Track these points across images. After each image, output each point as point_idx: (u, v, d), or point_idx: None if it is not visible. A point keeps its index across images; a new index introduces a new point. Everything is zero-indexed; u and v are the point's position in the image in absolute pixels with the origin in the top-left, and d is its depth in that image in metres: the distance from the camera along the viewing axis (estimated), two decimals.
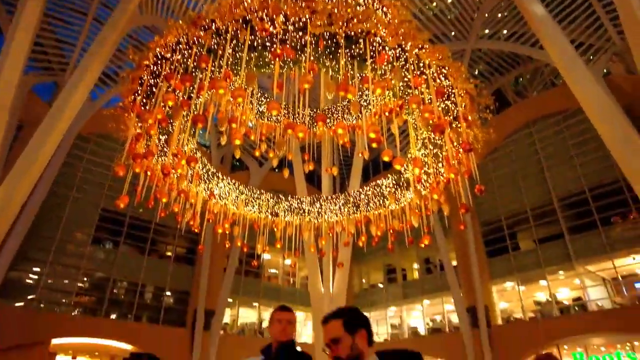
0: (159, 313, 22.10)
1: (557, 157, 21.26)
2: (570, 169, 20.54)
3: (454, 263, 22.66)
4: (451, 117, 6.38)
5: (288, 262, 28.25)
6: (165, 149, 8.32)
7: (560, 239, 19.94)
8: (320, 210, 10.67)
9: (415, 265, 27.31)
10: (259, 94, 8.91)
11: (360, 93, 7.95)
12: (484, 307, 20.40)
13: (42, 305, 19.42)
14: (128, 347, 20.77)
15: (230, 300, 24.47)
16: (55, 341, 18.51)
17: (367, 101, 7.58)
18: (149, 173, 8.15)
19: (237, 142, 6.20)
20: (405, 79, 6.09)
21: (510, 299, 21.84)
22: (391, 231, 9.70)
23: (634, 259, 18.27)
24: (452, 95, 6.43)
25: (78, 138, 20.48)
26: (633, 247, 17.91)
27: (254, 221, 10.61)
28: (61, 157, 19.05)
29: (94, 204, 21.46)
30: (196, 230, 9.89)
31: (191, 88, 6.86)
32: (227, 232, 10.23)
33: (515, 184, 22.51)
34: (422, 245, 8.67)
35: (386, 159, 5.93)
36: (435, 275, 24.84)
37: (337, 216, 10.80)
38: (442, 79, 6.29)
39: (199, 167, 9.22)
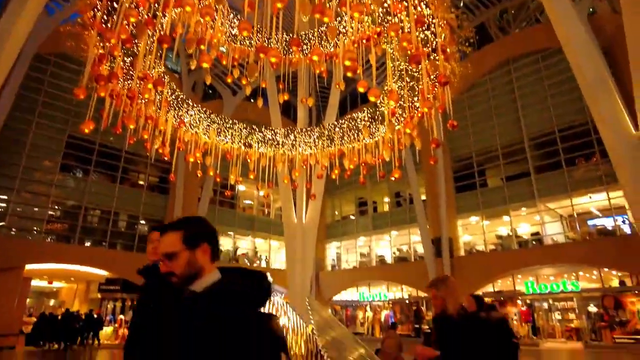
0: (133, 240, 22.35)
1: (532, 96, 21.44)
2: (544, 110, 20.84)
3: (423, 197, 23.46)
4: (429, 49, 6.19)
5: (262, 193, 28.60)
6: (131, 72, 7.86)
7: (527, 178, 20.77)
8: (294, 142, 10.59)
9: (386, 199, 28.18)
10: (231, 15, 8.33)
11: (339, 19, 7.54)
12: (448, 239, 21.56)
13: (13, 232, 19.24)
14: (103, 272, 21.21)
15: None
16: (29, 267, 18.63)
17: (345, 28, 7.22)
18: (114, 97, 7.76)
19: (205, 65, 5.85)
20: (385, 5, 5.77)
21: (474, 232, 23.10)
22: (363, 165, 9.79)
23: (590, 198, 19.35)
24: (432, 26, 6.18)
25: (36, 58, 19.05)
26: (591, 187, 18.90)
27: (226, 151, 10.47)
28: (19, 78, 17.81)
29: (60, 130, 20.56)
30: (167, 159, 9.71)
31: (156, 5, 6.32)
32: (199, 162, 10.08)
33: (489, 122, 22.81)
34: (393, 179, 8.81)
35: (361, 90, 5.80)
36: (405, 208, 25.79)
37: (311, 149, 10.78)
38: (423, 7, 6.00)
39: (167, 93, 8.82)
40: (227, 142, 10.50)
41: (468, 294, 4.39)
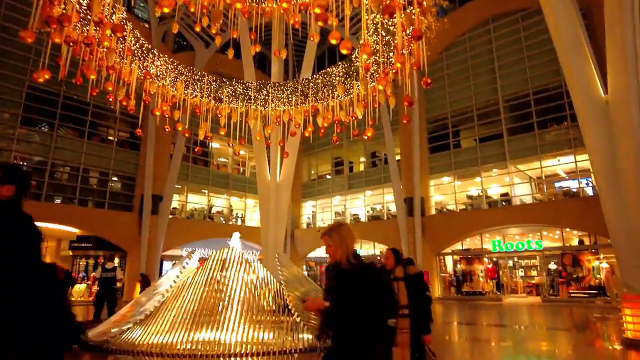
0: (104, 197, 21.84)
1: (509, 57, 21.33)
2: (520, 71, 20.86)
3: (398, 157, 23.61)
4: (405, 1, 5.91)
5: (234, 150, 28.16)
6: (89, 17, 7.28)
7: (499, 139, 21.09)
8: (266, 97, 10.26)
9: (362, 159, 28.28)
10: None
11: None
12: (420, 199, 22.00)
13: None
14: (74, 230, 20.82)
15: (178, 186, 24.54)
16: None
17: None
18: (71, 44, 7.21)
19: (166, 10, 5.44)
20: None
21: (446, 192, 23.59)
22: (337, 123, 9.62)
23: (558, 160, 19.90)
24: None
25: None
26: (560, 150, 19.37)
27: (195, 105, 10.05)
28: None
29: (18, 80, 19.25)
30: (131, 112, 9.26)
31: None
32: (167, 116, 9.68)
33: (466, 82, 22.75)
34: (366, 138, 8.71)
35: (333, 41, 5.53)
36: (380, 168, 25.99)
37: (284, 105, 10.48)
38: None
39: (130, 42, 8.27)
40: (196, 95, 10.08)
41: (388, 249, 4.34)
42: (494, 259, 21.49)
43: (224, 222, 26.68)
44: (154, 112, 9.37)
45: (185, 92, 9.95)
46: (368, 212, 26.85)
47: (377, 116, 9.57)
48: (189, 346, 4.79)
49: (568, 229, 19.11)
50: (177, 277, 6.38)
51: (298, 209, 30.13)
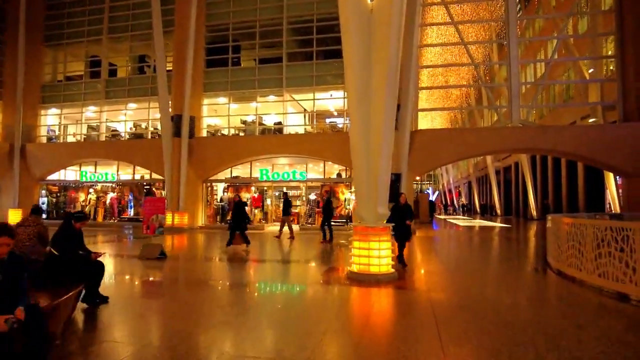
0: None
1: None
2: None
3: (170, 68, 19.97)
4: None
5: None
6: None
7: (279, 64, 19.93)
8: None
9: (127, 62, 23.21)
10: None
11: None
12: (189, 118, 19.33)
13: None
14: None
15: None
16: None
17: None
18: None
19: None
20: None
21: (220, 114, 21.57)
22: None
23: (331, 95, 20.18)
24: None
25: None
26: (333, 85, 19.50)
27: None
28: None
29: None
30: None
31: None
32: None
33: None
34: None
35: None
36: (148, 77, 21.76)
37: None
38: None
39: None
40: None
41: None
42: (265, 188, 21.12)
43: None
44: None
45: None
46: (130, 128, 22.60)
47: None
48: None
49: (330, 162, 19.90)
50: None
51: (35, 116, 23.24)
